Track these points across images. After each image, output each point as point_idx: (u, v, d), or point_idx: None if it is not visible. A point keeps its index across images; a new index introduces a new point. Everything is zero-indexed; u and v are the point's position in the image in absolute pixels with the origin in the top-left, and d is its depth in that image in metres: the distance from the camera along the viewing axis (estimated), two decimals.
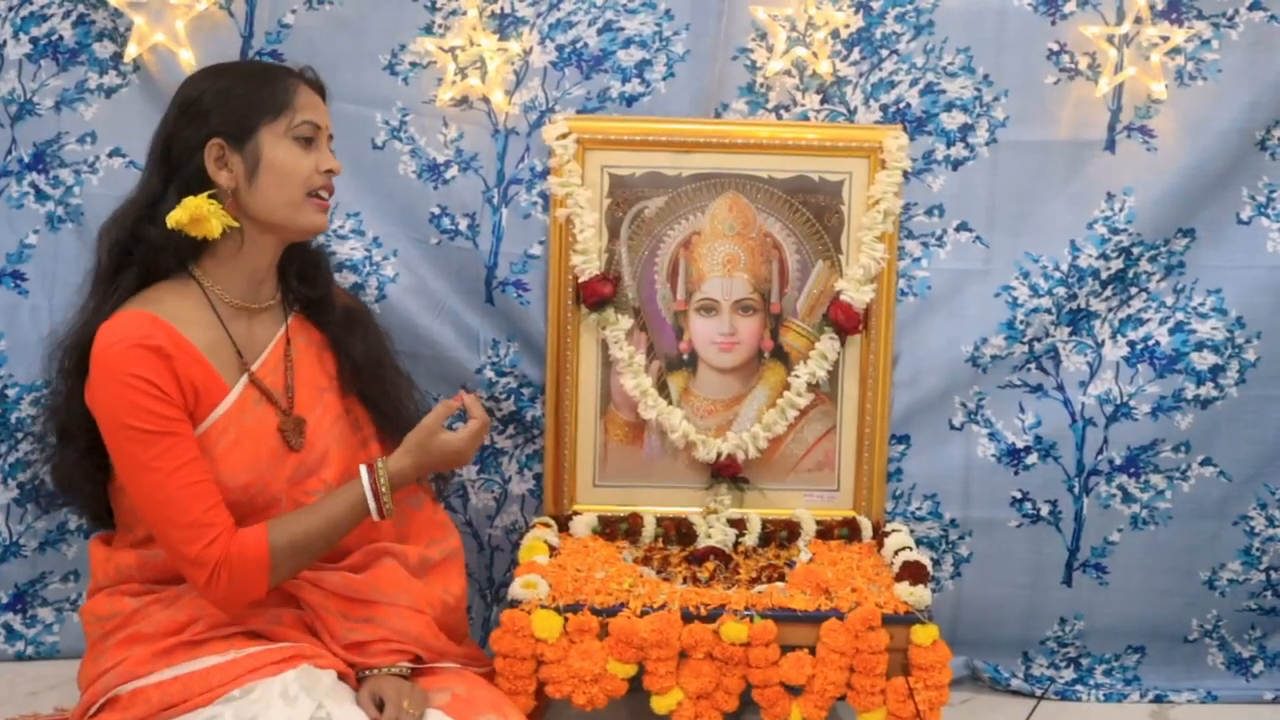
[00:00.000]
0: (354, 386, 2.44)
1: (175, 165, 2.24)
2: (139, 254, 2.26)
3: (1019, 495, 2.97)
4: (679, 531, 2.85)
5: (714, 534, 2.83)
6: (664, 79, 2.88)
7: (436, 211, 2.92)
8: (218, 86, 2.26)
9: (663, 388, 2.90)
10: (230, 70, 2.34)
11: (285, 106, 2.25)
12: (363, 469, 2.26)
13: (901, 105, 2.89)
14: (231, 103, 2.24)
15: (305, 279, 2.41)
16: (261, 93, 2.25)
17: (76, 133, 2.93)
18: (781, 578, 2.68)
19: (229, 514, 2.18)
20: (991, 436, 2.96)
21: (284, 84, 2.27)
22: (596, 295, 2.84)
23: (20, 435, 2.98)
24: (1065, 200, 2.91)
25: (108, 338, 2.16)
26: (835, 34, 2.87)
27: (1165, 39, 2.83)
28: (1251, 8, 2.83)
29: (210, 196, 2.21)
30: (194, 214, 2.19)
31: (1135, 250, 2.90)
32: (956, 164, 2.90)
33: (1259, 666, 3.05)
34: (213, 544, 2.15)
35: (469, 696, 2.25)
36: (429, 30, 2.88)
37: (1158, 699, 3.02)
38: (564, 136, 2.82)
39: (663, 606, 2.46)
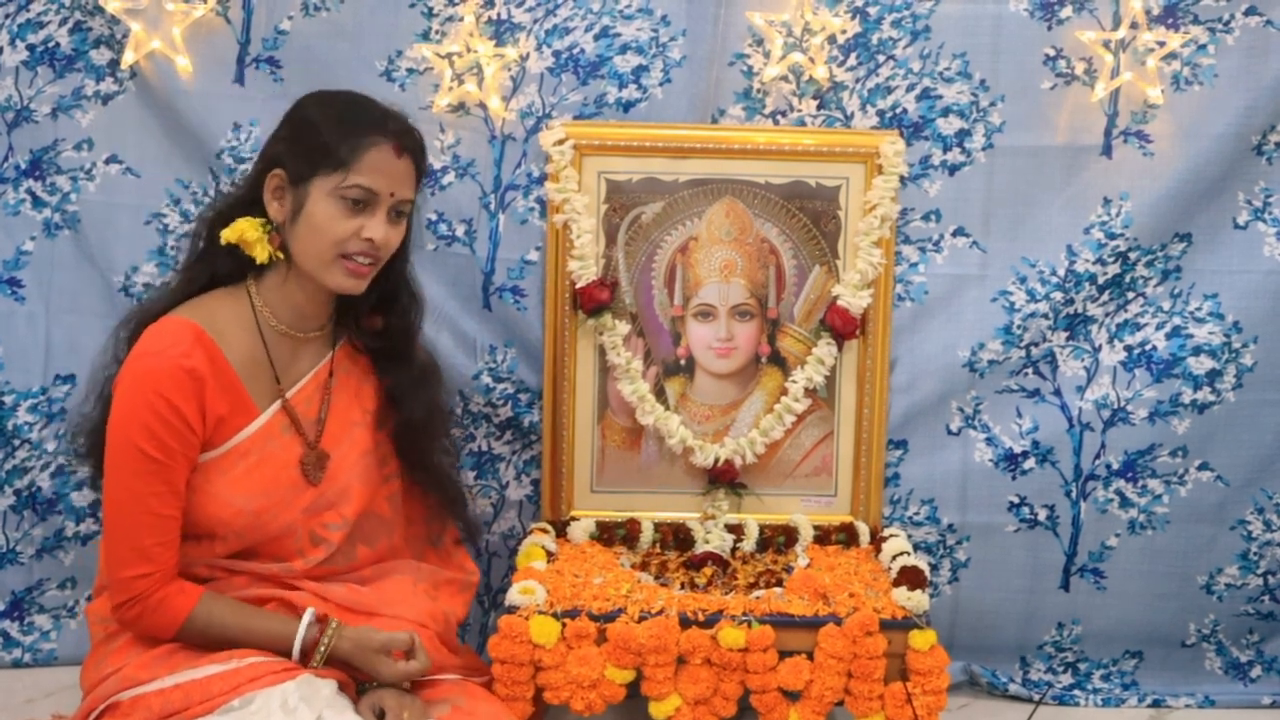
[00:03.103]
0: (400, 441, 2.41)
1: (261, 178, 2.25)
2: (212, 251, 2.28)
3: (1016, 500, 2.97)
4: (676, 537, 2.85)
5: (711, 539, 2.83)
6: (661, 85, 2.88)
7: (433, 217, 2.92)
8: (311, 117, 2.24)
9: (660, 393, 2.90)
10: (335, 103, 2.27)
11: (343, 165, 2.19)
12: (310, 614, 2.19)
13: (898, 110, 2.89)
14: (305, 140, 2.21)
15: (383, 330, 2.39)
16: (332, 141, 2.20)
17: (73, 139, 2.93)
18: (779, 583, 2.68)
19: (175, 556, 2.18)
20: (989, 441, 2.96)
21: (360, 141, 2.20)
22: (594, 301, 2.84)
23: (18, 442, 2.97)
24: (1062, 205, 2.91)
25: (151, 344, 2.18)
26: (832, 39, 2.87)
27: (1161, 44, 2.83)
28: (1248, 13, 2.83)
29: (268, 222, 2.24)
30: (241, 235, 2.23)
31: (1132, 255, 2.90)
32: (953, 169, 2.91)
33: (1256, 671, 3.05)
34: (142, 579, 2.15)
35: (469, 709, 2.25)
36: (426, 37, 2.88)
37: (1155, 704, 3.02)
38: (561, 142, 2.82)
39: (660, 612, 2.46)
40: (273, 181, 2.23)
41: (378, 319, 2.40)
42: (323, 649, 2.18)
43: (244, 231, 2.23)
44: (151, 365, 2.16)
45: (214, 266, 2.29)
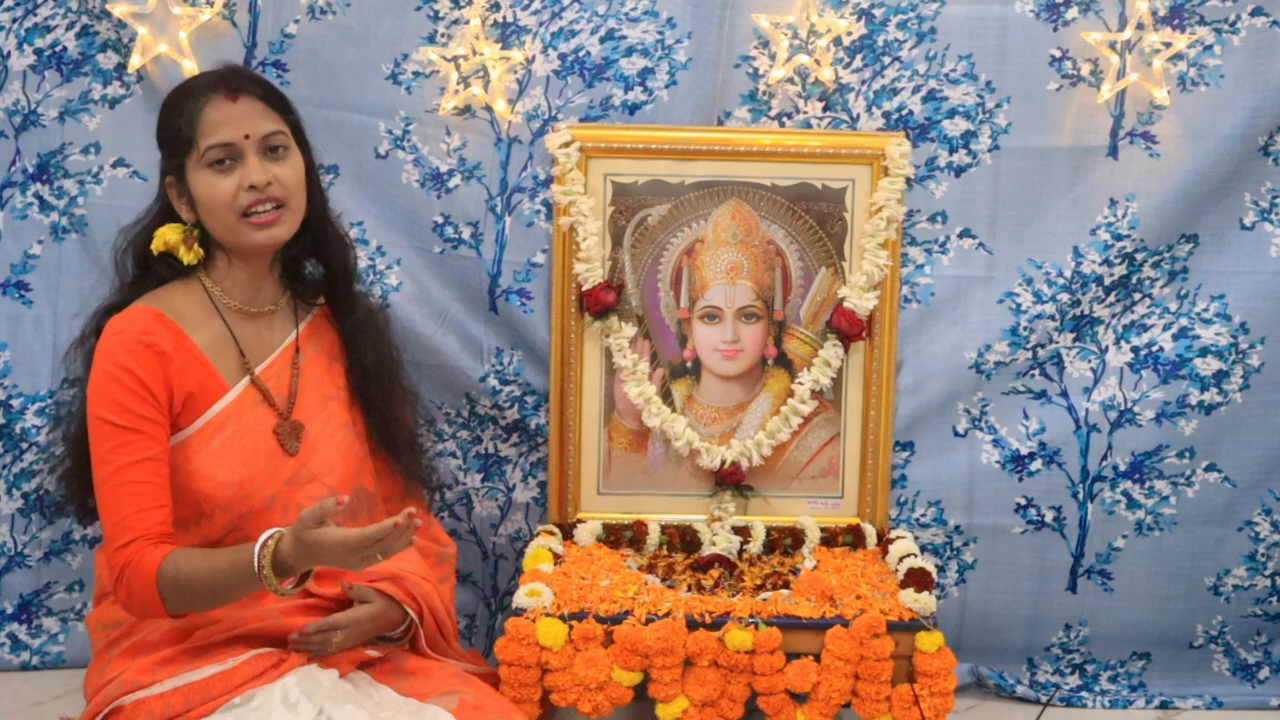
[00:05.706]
0: (360, 391, 2.44)
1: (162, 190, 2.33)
2: (145, 265, 2.33)
3: (1023, 501, 2.97)
4: (683, 539, 2.85)
5: (718, 541, 2.83)
6: (666, 87, 2.88)
7: (440, 220, 2.93)
8: (160, 116, 2.32)
9: (666, 395, 2.90)
10: (171, 93, 2.33)
11: (191, 139, 2.24)
12: (266, 533, 2.14)
13: (904, 112, 2.89)
14: (163, 138, 2.30)
15: (326, 278, 2.43)
16: (175, 124, 2.26)
17: (80, 143, 2.94)
18: (786, 585, 2.68)
19: (160, 524, 2.17)
20: (995, 443, 2.96)
21: (188, 110, 2.25)
22: (600, 303, 2.84)
23: (25, 445, 2.98)
24: (1068, 206, 2.91)
25: (113, 328, 2.23)
26: (837, 41, 2.87)
27: (1168, 45, 2.83)
28: (1254, 13, 2.83)
29: (186, 224, 2.30)
30: (166, 242, 2.29)
31: (1138, 256, 2.90)
32: (959, 170, 2.91)
33: (1265, 672, 3.05)
34: (125, 547, 2.15)
35: (477, 704, 2.24)
36: (432, 39, 2.89)
37: (1163, 705, 3.02)
38: (567, 145, 2.83)
39: (667, 614, 2.46)
40: (171, 191, 2.29)
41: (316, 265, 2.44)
42: (267, 554, 2.10)
43: (166, 238, 2.29)
44: (112, 343, 2.21)
45: (160, 275, 2.32)
